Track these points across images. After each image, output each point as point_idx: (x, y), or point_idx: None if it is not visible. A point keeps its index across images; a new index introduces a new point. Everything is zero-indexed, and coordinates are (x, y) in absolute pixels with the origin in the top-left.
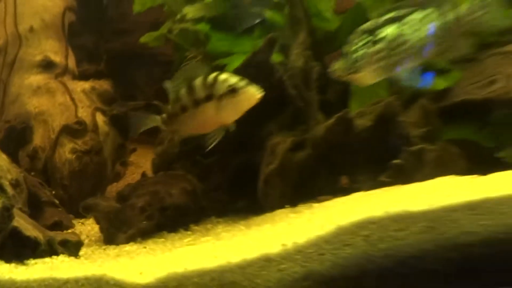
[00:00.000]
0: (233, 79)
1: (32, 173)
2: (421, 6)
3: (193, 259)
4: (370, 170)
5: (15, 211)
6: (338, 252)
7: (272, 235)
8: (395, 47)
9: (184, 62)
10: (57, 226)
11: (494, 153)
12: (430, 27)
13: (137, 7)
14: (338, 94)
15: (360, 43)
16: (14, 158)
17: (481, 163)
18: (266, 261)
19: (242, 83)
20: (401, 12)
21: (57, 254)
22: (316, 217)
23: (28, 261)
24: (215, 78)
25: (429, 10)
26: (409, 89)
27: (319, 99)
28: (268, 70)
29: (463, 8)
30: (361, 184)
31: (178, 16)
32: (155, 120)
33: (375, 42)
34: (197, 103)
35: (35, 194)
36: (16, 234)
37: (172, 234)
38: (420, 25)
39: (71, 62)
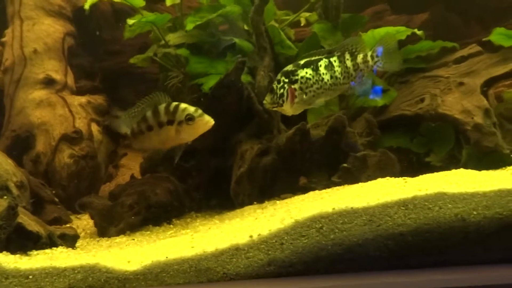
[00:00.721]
0: (191, 109)
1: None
2: (328, 55)
3: (174, 249)
4: (324, 172)
5: (20, 209)
6: (296, 242)
7: (241, 228)
8: (309, 85)
9: (168, 80)
10: (57, 221)
11: (423, 158)
12: (336, 70)
13: (127, 34)
14: None
15: (282, 83)
16: (19, 162)
17: (413, 166)
18: (236, 250)
19: (198, 113)
20: (313, 58)
21: (56, 246)
22: (278, 213)
23: (31, 252)
24: (176, 107)
25: (334, 58)
26: (355, 105)
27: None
28: (238, 88)
29: (359, 57)
30: (316, 184)
31: (162, 42)
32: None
33: (292, 82)
34: (160, 124)
35: (37, 193)
36: (20, 229)
37: (157, 228)
38: (327, 69)
39: (70, 80)
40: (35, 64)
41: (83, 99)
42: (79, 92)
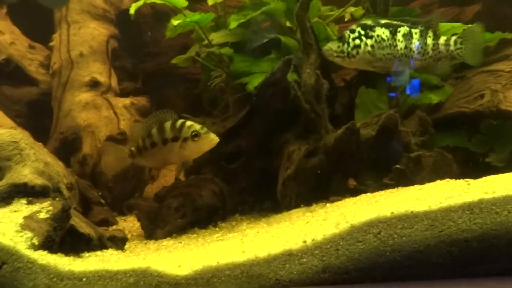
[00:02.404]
0: (197, 126)
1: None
2: (413, 25)
3: (224, 253)
4: (374, 174)
5: (72, 211)
6: (352, 248)
7: (293, 232)
8: (381, 47)
9: (211, 80)
10: (104, 222)
11: (483, 159)
12: (413, 42)
13: (169, 33)
14: (344, 107)
15: (357, 33)
16: (66, 164)
17: (471, 167)
18: (289, 256)
19: (204, 130)
20: (394, 22)
21: (106, 248)
22: (330, 216)
23: (83, 254)
24: (182, 124)
25: (416, 30)
26: (406, 103)
27: (328, 111)
28: (284, 87)
29: (442, 39)
30: (367, 186)
31: (205, 41)
32: (123, 152)
33: (368, 37)
34: (165, 141)
35: (85, 195)
36: (73, 231)
37: (203, 231)
38: (405, 38)
39: (114, 82)
40: (81, 67)
41: (127, 101)
42: (122, 94)
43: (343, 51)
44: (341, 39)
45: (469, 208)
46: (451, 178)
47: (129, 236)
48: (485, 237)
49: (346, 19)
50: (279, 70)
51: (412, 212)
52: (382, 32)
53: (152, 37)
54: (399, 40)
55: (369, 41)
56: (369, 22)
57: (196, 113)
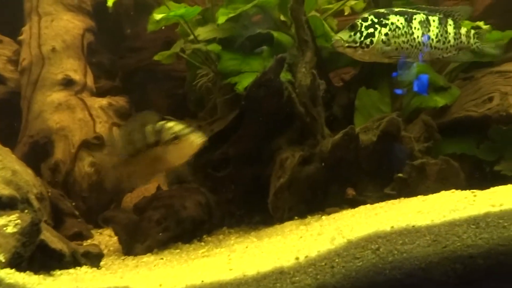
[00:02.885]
0: (178, 127)
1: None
2: (429, 12)
3: (209, 271)
4: (375, 183)
5: (42, 224)
6: (348, 265)
7: (285, 248)
8: (397, 35)
9: (197, 79)
10: (78, 236)
11: (490, 167)
12: (431, 30)
13: (151, 26)
14: (343, 110)
15: (370, 22)
16: (36, 171)
17: (480, 176)
18: (280, 274)
19: (186, 130)
20: (408, 10)
21: (80, 265)
22: (326, 230)
23: (55, 272)
24: (162, 126)
25: (434, 17)
26: (410, 106)
27: (325, 115)
28: (277, 88)
29: (464, 29)
30: (366, 197)
31: (191, 37)
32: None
33: (382, 25)
34: (148, 147)
35: (57, 206)
36: (44, 246)
37: (187, 245)
38: (421, 25)
39: (90, 80)
40: (53, 64)
41: (104, 101)
42: (98, 93)
43: (355, 41)
44: (353, 28)
45: (474, 222)
46: (457, 188)
47: (105, 251)
48: (492, 253)
49: (346, 13)
50: (272, 69)
51: (413, 226)
52: (397, 20)
53: (132, 31)
54: (415, 28)
55: (383, 29)
56: (382, 10)
57: (180, 115)
